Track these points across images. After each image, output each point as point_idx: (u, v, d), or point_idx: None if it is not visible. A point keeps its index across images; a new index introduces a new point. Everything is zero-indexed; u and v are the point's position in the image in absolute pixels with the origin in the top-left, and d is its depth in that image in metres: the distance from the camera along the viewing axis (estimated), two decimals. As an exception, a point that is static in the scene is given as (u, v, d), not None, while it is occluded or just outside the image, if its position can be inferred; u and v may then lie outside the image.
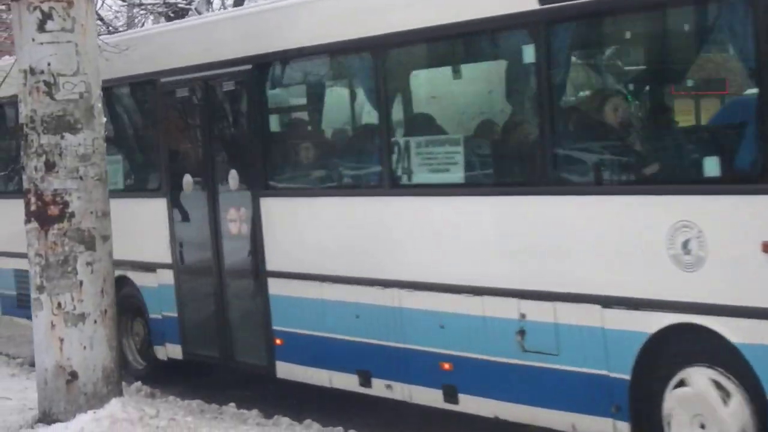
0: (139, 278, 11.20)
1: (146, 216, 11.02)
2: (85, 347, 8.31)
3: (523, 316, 7.57)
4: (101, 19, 20.04)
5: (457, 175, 8.09)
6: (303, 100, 9.82)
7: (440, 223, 8.16)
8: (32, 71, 8.32)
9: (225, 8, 21.70)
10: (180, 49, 10.64)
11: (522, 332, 7.58)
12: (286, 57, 9.45)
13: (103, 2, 19.44)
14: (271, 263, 9.59)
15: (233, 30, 10.07)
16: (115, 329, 8.57)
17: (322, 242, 9.12)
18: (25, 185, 8.48)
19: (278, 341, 9.61)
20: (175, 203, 10.71)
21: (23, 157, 8.46)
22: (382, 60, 8.51)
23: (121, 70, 11.30)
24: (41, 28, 8.27)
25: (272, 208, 9.58)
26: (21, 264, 10.21)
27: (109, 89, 11.60)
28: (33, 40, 8.30)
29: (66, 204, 8.33)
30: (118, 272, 11.26)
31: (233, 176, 9.95)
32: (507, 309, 7.66)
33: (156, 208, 10.83)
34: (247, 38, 9.78)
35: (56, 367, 8.31)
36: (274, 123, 9.99)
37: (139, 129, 11.76)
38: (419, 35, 8.22)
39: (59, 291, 8.31)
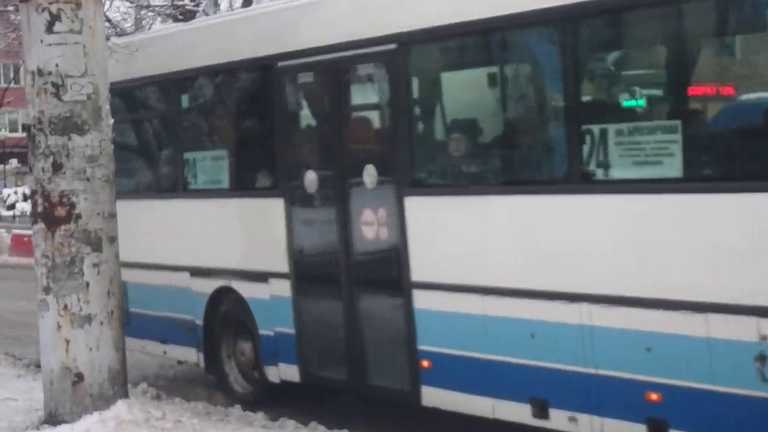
0: (246, 289, 9.91)
1: (257, 218, 9.76)
2: (91, 348, 8.31)
3: (764, 338, 6.31)
4: (109, 21, 19.77)
5: (672, 168, 6.76)
6: (460, 83, 8.44)
7: (645, 225, 6.87)
8: (40, 72, 8.30)
9: (232, 9, 21.54)
10: (303, 29, 9.34)
11: (763, 358, 6.32)
12: (441, 34, 8.14)
13: (111, 3, 19.01)
14: (418, 273, 8.29)
15: (373, 5, 8.77)
16: (121, 330, 8.53)
17: (485, 248, 7.83)
18: (32, 186, 8.47)
19: (425, 363, 8.31)
20: (294, 203, 9.42)
21: (30, 158, 8.40)
22: (572, 34, 7.21)
23: (226, 54, 10.09)
24: (49, 29, 8.27)
25: (420, 208, 8.29)
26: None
27: (209, 75, 10.49)
28: (41, 41, 8.29)
29: (73, 205, 8.31)
30: (220, 282, 10.18)
31: (370, 172, 8.66)
32: (741, 329, 6.41)
33: (270, 209, 9.56)
34: (391, 13, 8.52)
35: (62, 368, 8.31)
36: (424, 109, 8.71)
37: (248, 120, 10.40)
38: (621, 4, 6.93)
39: (66, 292, 8.30)
